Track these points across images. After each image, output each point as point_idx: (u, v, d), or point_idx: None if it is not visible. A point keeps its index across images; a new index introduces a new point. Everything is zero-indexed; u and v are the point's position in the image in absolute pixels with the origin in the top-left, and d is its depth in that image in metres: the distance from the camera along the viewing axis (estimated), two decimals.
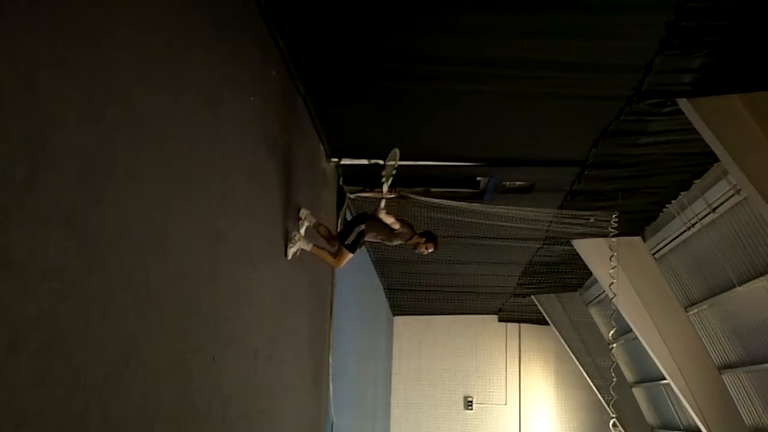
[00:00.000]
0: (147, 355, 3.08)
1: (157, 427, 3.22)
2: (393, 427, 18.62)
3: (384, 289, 15.74)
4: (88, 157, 2.56)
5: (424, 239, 6.02)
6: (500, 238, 10.69)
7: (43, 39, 2.27)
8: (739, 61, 5.42)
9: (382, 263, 13.23)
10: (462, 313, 18.65)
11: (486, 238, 10.64)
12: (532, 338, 19.28)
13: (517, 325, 19.28)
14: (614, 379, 9.98)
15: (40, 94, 2.26)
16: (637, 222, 9.99)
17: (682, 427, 13.76)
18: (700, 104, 5.84)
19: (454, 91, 6.19)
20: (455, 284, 15.16)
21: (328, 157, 7.82)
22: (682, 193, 8.79)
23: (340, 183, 8.53)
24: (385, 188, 5.91)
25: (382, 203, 5.94)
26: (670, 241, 10.00)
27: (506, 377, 19.27)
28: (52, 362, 2.34)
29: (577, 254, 10.86)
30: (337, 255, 6.05)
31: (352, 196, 8.71)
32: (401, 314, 18.80)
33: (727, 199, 8.18)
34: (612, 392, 10.08)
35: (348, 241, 5.94)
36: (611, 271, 8.53)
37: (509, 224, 9.40)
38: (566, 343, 16.18)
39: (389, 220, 5.92)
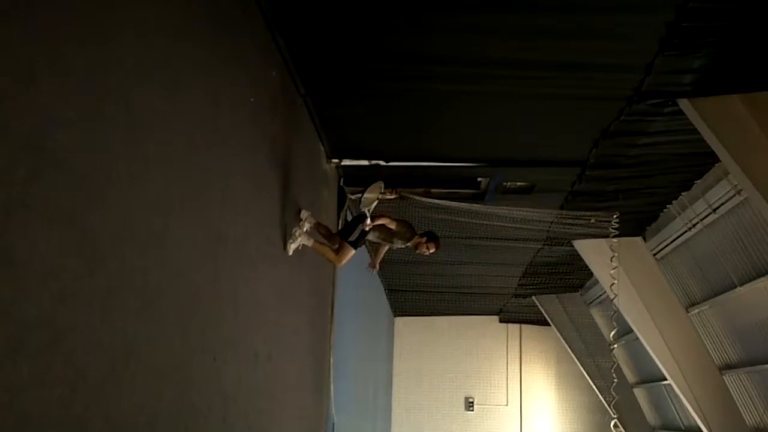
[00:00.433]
0: (147, 356, 3.08)
1: (158, 428, 3.22)
2: (394, 427, 18.60)
3: (385, 289, 15.74)
4: (88, 157, 2.56)
5: (425, 239, 5.99)
6: (501, 239, 10.69)
7: (43, 39, 2.27)
8: (740, 61, 5.42)
9: (383, 264, 13.20)
10: (463, 314, 18.64)
11: (487, 238, 10.63)
12: (533, 339, 19.26)
13: (518, 325, 19.27)
14: (615, 380, 9.97)
15: (40, 94, 2.26)
16: (638, 222, 9.98)
17: (683, 428, 13.75)
18: (700, 104, 5.84)
19: (454, 91, 6.19)
20: (456, 285, 15.16)
21: (329, 158, 7.83)
22: (682, 193, 8.78)
23: (341, 184, 8.53)
24: (368, 221, 5.83)
25: (368, 221, 5.82)
26: (671, 242, 10.00)
27: (507, 378, 19.25)
28: (53, 363, 2.34)
29: (578, 255, 10.86)
30: (338, 252, 6.02)
31: (352, 197, 8.70)
32: (402, 315, 18.79)
33: (728, 200, 8.18)
34: (613, 393, 10.06)
35: (351, 238, 5.92)
36: (612, 271, 8.53)
37: (510, 225, 9.40)
38: (567, 343, 16.17)
39: (384, 220, 5.88)
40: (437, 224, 8.84)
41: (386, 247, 6.29)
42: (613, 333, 9.73)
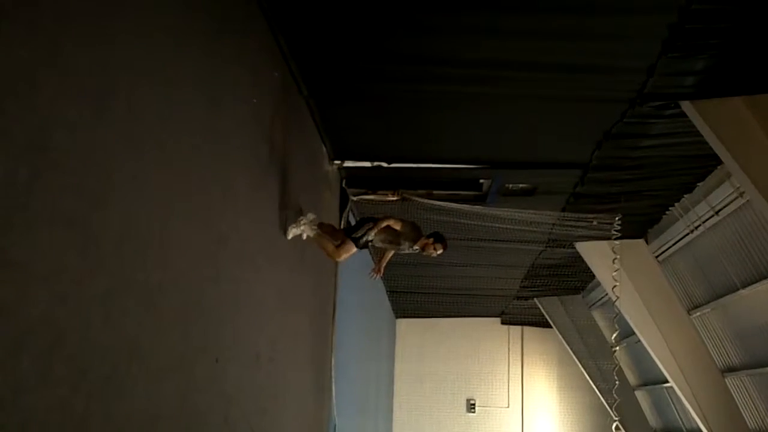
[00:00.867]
0: (149, 357, 3.08)
1: (159, 428, 3.22)
2: (395, 429, 18.58)
3: (387, 291, 15.73)
4: (89, 158, 2.56)
5: (432, 240, 5.92)
6: (503, 241, 10.68)
7: (44, 40, 2.27)
8: (743, 63, 5.41)
9: (385, 266, 13.20)
10: (465, 316, 18.63)
11: (489, 240, 10.63)
12: (534, 341, 19.24)
13: (519, 327, 19.24)
14: (617, 382, 9.95)
15: (41, 96, 2.26)
16: (640, 225, 9.97)
17: (684, 430, 13.72)
18: (703, 107, 5.83)
19: (456, 93, 6.19)
20: (458, 287, 15.15)
21: (331, 159, 7.83)
22: (685, 195, 8.77)
23: (343, 185, 8.53)
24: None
25: (372, 233, 5.86)
26: (673, 244, 9.98)
27: (509, 380, 19.23)
28: (55, 363, 2.34)
29: (580, 257, 10.84)
30: (339, 246, 5.99)
31: (355, 199, 8.71)
32: (404, 317, 18.78)
33: (730, 202, 8.15)
34: (615, 395, 10.04)
35: (355, 235, 5.88)
36: (614, 273, 8.51)
37: (512, 227, 9.39)
38: (569, 345, 16.15)
39: (389, 222, 5.84)
40: (439, 226, 8.79)
41: (392, 253, 6.24)
42: (614, 335, 9.72)
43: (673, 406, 13.91)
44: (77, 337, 2.48)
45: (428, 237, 5.94)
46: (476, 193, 8.79)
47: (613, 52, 5.30)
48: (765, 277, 8.35)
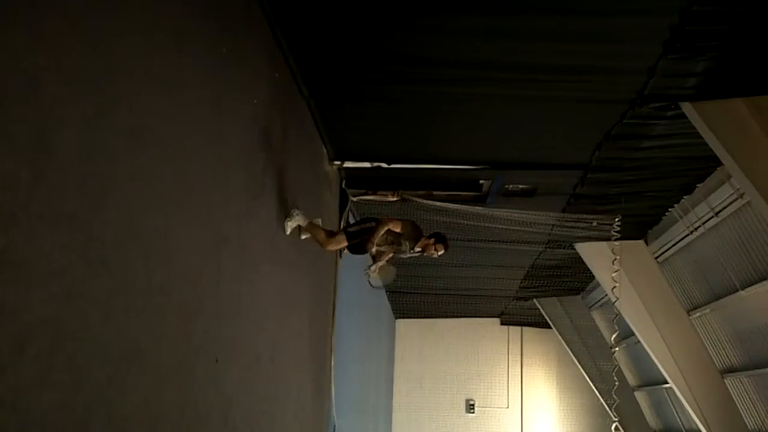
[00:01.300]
0: (150, 357, 3.08)
1: (160, 429, 3.22)
2: (395, 429, 18.59)
3: (386, 291, 15.73)
4: (91, 159, 2.57)
5: (433, 240, 5.90)
6: (503, 242, 10.69)
7: (46, 42, 2.27)
8: (743, 64, 5.41)
9: (381, 265, 13.21)
10: (464, 317, 18.63)
11: (488, 241, 10.64)
12: (534, 341, 19.25)
13: (519, 328, 19.25)
14: (616, 383, 9.97)
15: (43, 97, 2.26)
16: (640, 225, 9.97)
17: (684, 431, 13.73)
18: (703, 108, 5.83)
19: (457, 94, 6.19)
20: (457, 287, 15.15)
21: (331, 160, 7.83)
22: (685, 196, 8.77)
23: (343, 186, 8.53)
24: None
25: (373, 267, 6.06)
26: (673, 245, 9.98)
27: (508, 380, 19.24)
28: (56, 364, 2.34)
29: (580, 258, 10.84)
30: (331, 236, 5.96)
31: (354, 199, 8.71)
32: (403, 317, 18.79)
33: (730, 203, 8.16)
34: (614, 396, 10.06)
35: (351, 229, 5.87)
36: (614, 274, 8.52)
37: (512, 227, 9.39)
38: (568, 346, 16.15)
39: (389, 224, 5.81)
40: (439, 227, 8.80)
41: (389, 255, 6.21)
42: (614, 336, 9.75)
43: (672, 406, 13.91)
44: (78, 337, 2.48)
45: (429, 237, 5.93)
46: (476, 193, 8.79)
47: (613, 53, 5.31)
48: (765, 279, 8.35)
